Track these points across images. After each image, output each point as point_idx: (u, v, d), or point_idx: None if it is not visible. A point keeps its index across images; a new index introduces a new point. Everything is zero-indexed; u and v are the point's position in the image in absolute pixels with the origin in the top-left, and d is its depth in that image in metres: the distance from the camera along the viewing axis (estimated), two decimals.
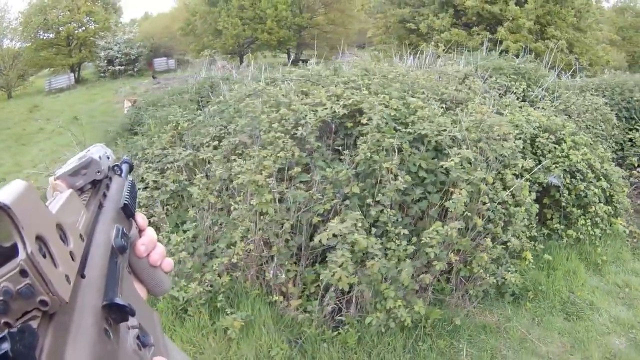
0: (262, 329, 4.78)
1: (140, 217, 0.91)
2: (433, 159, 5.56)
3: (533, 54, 14.42)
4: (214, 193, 5.55)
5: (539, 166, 6.61)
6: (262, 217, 5.08)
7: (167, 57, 38.31)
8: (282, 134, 5.53)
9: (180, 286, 4.99)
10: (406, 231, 4.96)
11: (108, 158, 0.92)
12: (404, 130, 5.69)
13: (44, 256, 0.50)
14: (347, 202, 5.12)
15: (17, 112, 26.12)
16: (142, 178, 6.42)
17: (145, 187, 6.23)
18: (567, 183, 6.89)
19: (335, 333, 4.80)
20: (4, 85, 33.46)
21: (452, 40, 18.26)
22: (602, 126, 9.48)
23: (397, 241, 4.87)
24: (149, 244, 0.87)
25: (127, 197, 0.89)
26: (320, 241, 4.61)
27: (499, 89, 8.96)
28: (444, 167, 5.32)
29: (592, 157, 7.23)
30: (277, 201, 5.16)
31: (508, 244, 5.60)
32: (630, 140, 10.33)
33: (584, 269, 6.63)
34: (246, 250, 4.98)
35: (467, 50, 12.66)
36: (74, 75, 36.10)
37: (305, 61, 24.90)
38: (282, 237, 5.06)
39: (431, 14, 23.12)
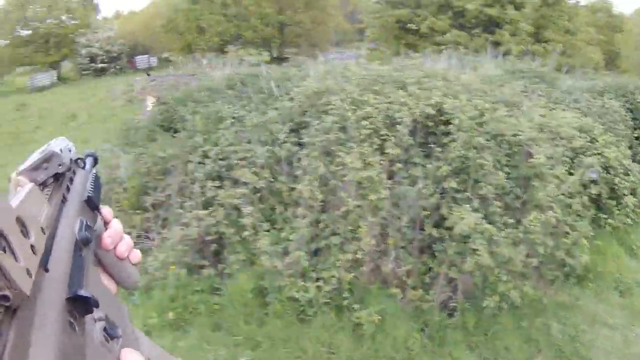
0: (395, 321, 4.88)
1: (106, 210, 0.90)
2: (507, 155, 5.87)
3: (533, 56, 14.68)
4: (317, 190, 5.47)
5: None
6: (376, 212, 5.18)
7: (149, 54, 37.70)
8: (372, 132, 5.64)
9: (298, 287, 4.93)
10: (512, 220, 5.33)
11: (70, 151, 0.91)
12: (480, 129, 5.89)
13: (4, 250, 0.49)
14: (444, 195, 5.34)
15: (3, 111, 25.39)
16: (218, 176, 6.34)
17: (220, 186, 6.15)
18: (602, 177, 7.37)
19: (453, 319, 5.09)
20: None
21: (455, 42, 18.40)
22: (620, 127, 9.86)
23: (505, 229, 5.16)
24: (115, 236, 0.86)
25: (91, 189, 0.89)
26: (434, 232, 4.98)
27: (525, 92, 9.13)
28: (531, 163, 5.71)
29: (620, 154, 7.80)
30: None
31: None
32: (637, 138, 10.88)
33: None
34: (370, 246, 5.01)
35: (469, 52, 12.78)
36: (57, 73, 35.32)
37: (286, 59, 24.80)
38: (401, 231, 5.24)
39: (430, 15, 23.20)
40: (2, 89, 33.42)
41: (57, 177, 0.84)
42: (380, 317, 4.76)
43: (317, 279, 4.99)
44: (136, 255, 0.90)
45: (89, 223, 0.78)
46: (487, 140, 5.74)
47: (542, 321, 5.35)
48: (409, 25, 23.61)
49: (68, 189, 0.85)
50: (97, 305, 0.60)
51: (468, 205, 5.08)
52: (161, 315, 5.35)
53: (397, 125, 5.66)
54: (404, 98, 6.04)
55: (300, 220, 5.30)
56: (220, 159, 6.51)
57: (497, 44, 18.30)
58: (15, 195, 0.66)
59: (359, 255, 4.93)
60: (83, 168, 0.97)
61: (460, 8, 22.95)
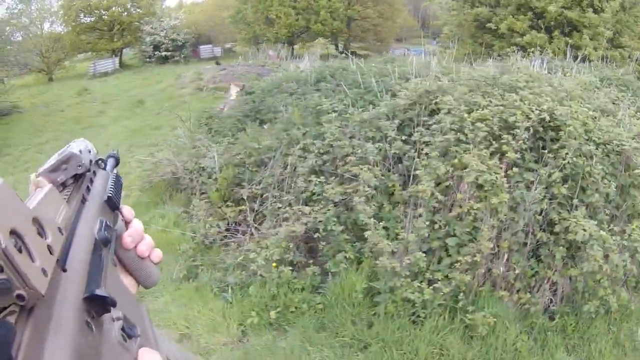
0: (504, 324, 4.94)
1: (127, 210, 0.90)
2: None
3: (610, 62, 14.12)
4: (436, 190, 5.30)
5: None
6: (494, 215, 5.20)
7: (212, 44, 37.95)
8: (487, 134, 5.62)
9: (414, 288, 4.85)
10: (617, 228, 5.42)
11: (89, 152, 0.91)
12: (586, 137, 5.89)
13: (20, 250, 0.48)
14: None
15: (65, 95, 25.85)
16: (320, 171, 6.12)
17: (325, 182, 5.92)
18: None
19: (553, 322, 5.19)
20: (44, 69, 33.13)
21: (533, 43, 17.81)
22: None
23: (613, 237, 5.13)
24: (136, 235, 0.87)
25: (111, 189, 0.89)
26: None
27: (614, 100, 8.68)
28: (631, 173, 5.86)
29: None
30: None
31: None
32: None
33: None
34: (488, 249, 5.01)
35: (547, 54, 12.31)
36: (119, 60, 35.83)
37: (354, 53, 24.59)
38: (517, 235, 5.26)
39: (509, 15, 22.63)
40: (63, 74, 33.95)
41: (77, 178, 0.86)
42: (495, 320, 4.81)
43: (431, 281, 4.96)
44: (157, 254, 0.90)
45: (108, 223, 0.78)
46: (596, 148, 5.73)
47: (629, 326, 5.37)
48: (487, 24, 22.93)
49: (88, 190, 0.86)
50: (114, 305, 0.60)
51: (577, 212, 5.20)
52: (260, 314, 5.24)
53: (515, 130, 5.62)
54: (517, 102, 5.91)
55: (419, 220, 5.19)
56: (322, 153, 6.35)
57: (575, 48, 17.58)
58: (34, 196, 0.66)
59: (477, 258, 4.90)
60: (104, 169, 0.98)
61: (541, 9, 22.21)
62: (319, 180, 5.99)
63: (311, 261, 5.65)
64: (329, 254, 5.53)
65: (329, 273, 5.45)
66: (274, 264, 5.45)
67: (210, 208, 6.73)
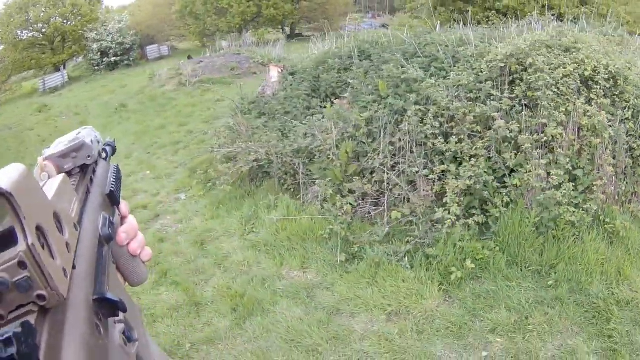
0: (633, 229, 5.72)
1: (124, 204, 0.90)
2: None
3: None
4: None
5: None
6: None
7: (158, 44, 36.89)
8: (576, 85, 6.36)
9: (571, 212, 5.46)
10: None
11: (98, 142, 0.90)
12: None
13: (43, 247, 0.48)
14: None
15: (25, 114, 24.61)
16: (442, 133, 6.25)
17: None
18: None
19: None
20: None
21: (510, 7, 18.12)
22: None
23: None
24: (131, 232, 0.86)
25: (113, 183, 0.87)
26: None
27: None
28: None
29: None
30: None
31: None
32: None
33: None
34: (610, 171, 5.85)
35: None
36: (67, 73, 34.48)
37: (299, 35, 24.48)
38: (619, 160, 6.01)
39: None
40: (9, 96, 32.36)
41: (83, 167, 0.83)
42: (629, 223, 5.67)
43: (577, 205, 5.64)
44: (148, 253, 0.89)
45: (111, 219, 0.77)
46: None
47: None
48: None
49: (91, 181, 0.84)
50: (125, 310, 0.60)
51: None
52: (458, 268, 5.36)
53: (590, 82, 6.48)
54: (585, 59, 6.65)
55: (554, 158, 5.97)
56: (436, 117, 6.54)
57: (550, 8, 17.96)
58: (46, 184, 0.64)
59: (603, 180, 5.80)
60: (104, 159, 0.94)
61: None
62: (443, 140, 6.25)
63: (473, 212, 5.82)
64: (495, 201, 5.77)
65: (493, 219, 5.75)
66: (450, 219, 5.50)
67: (334, 186, 6.63)
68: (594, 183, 5.80)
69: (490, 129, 6.14)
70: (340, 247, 5.84)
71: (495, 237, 5.65)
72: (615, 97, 6.58)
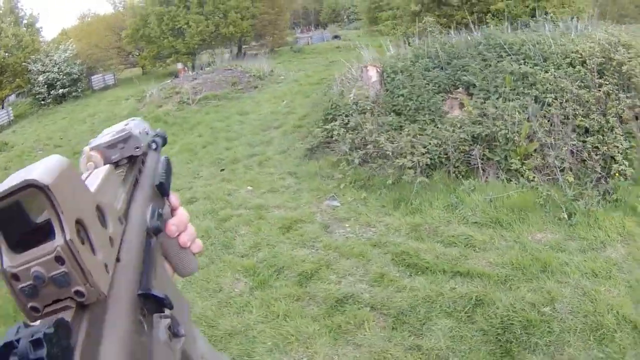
0: None
1: (174, 197, 0.89)
2: None
3: None
4: None
5: None
6: None
7: (103, 73, 35.33)
8: None
9: None
10: None
11: (147, 134, 0.90)
12: None
13: (82, 242, 0.48)
14: None
15: None
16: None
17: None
18: None
19: None
20: None
21: (501, 9, 18.63)
22: None
23: None
24: (180, 224, 0.86)
25: (163, 174, 0.87)
26: None
27: None
28: None
29: None
30: None
31: None
32: None
33: None
34: None
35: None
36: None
37: (245, 54, 24.50)
38: None
39: None
40: None
41: (130, 158, 0.82)
42: None
43: None
44: (198, 245, 0.90)
45: (160, 211, 0.77)
46: None
47: None
48: None
49: (140, 172, 0.83)
50: (171, 307, 0.60)
51: None
52: None
53: None
54: None
55: None
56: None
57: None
58: (91, 175, 0.64)
59: None
60: (155, 150, 0.93)
61: None
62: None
63: None
64: None
65: None
66: None
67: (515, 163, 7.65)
68: None
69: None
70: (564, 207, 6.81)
71: None
72: None
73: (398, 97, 9.55)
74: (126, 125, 0.83)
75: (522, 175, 7.43)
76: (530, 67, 8.77)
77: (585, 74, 8.31)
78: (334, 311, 5.02)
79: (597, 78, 8.21)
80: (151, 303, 0.57)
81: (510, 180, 7.50)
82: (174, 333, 0.62)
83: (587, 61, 8.48)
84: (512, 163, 7.55)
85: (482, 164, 7.83)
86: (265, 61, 22.16)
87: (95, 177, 0.61)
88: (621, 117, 7.79)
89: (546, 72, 8.57)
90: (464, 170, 8.01)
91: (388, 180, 8.01)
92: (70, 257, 0.45)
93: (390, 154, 8.27)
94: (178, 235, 0.83)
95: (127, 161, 0.80)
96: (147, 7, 30.41)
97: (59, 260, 0.45)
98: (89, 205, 0.51)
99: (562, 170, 7.37)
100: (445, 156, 8.07)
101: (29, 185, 0.45)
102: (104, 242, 0.52)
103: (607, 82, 8.09)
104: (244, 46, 32.65)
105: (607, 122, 7.65)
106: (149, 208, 0.73)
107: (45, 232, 0.47)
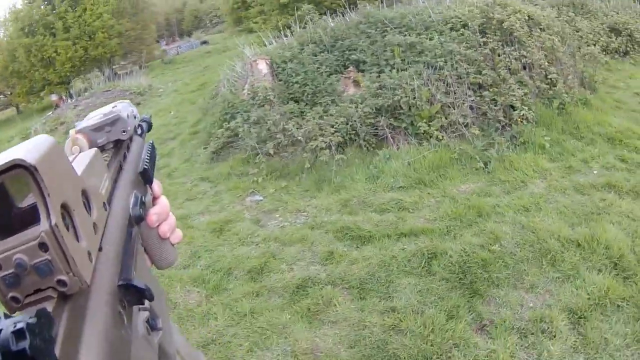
0: None
1: (156, 184, 0.87)
2: None
3: None
4: None
5: None
6: None
7: None
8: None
9: None
10: None
11: (135, 117, 0.89)
12: None
13: (67, 228, 0.45)
14: None
15: None
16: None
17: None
18: None
19: None
20: None
21: None
22: None
23: None
24: (162, 213, 0.84)
25: (147, 161, 0.86)
26: None
27: None
28: None
29: None
30: None
31: None
32: None
33: None
34: None
35: None
36: None
37: (116, 74, 23.83)
38: None
39: None
40: None
41: (117, 142, 0.81)
42: None
43: None
44: (178, 235, 0.88)
45: (143, 199, 0.75)
46: None
47: None
48: None
49: (124, 157, 0.82)
50: (152, 299, 0.58)
51: None
52: None
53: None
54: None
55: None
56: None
57: None
58: (76, 158, 0.62)
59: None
60: (140, 135, 0.93)
61: None
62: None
63: None
64: None
65: None
66: None
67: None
68: None
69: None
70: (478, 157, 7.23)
71: None
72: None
73: (293, 84, 9.65)
74: (114, 107, 0.81)
75: (431, 137, 7.76)
76: (416, 37, 9.22)
77: (469, 36, 8.87)
78: (298, 297, 5.01)
79: (481, 38, 8.78)
80: (132, 294, 0.54)
81: (422, 144, 7.80)
82: (151, 326, 0.60)
83: (469, 23, 9.06)
84: (419, 127, 7.86)
85: (390, 133, 8.08)
86: (141, 77, 21.67)
87: (81, 160, 0.59)
88: (510, 69, 8.33)
89: (431, 39, 9.05)
90: (374, 142, 8.22)
91: (305, 164, 8.11)
92: (55, 244, 0.42)
93: (302, 139, 8.39)
94: (158, 225, 0.81)
95: (113, 145, 0.79)
96: (13, 40, 28.77)
97: (43, 247, 0.42)
98: (75, 189, 0.49)
99: (466, 126, 7.80)
100: (353, 132, 8.24)
101: (16, 166, 0.42)
102: (88, 229, 0.49)
103: (491, 40, 8.69)
104: (114, 66, 31.61)
105: (499, 75, 8.17)
106: (132, 195, 0.71)
107: (26, 219, 0.45)
